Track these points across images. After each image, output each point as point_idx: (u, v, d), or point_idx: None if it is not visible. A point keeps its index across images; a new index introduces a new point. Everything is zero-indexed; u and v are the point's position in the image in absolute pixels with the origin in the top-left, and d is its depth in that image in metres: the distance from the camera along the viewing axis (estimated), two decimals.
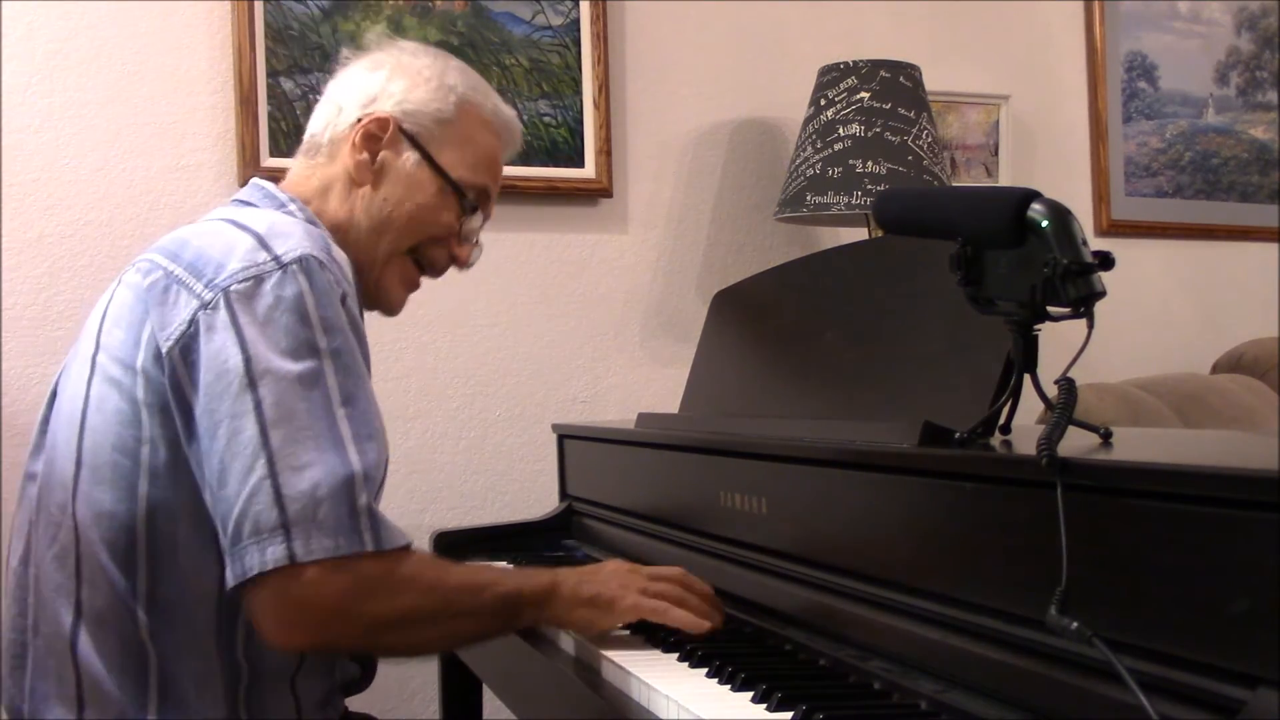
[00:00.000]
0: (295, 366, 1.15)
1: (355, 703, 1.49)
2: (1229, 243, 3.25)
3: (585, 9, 2.61)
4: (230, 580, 1.14)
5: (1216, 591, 0.79)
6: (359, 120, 1.41)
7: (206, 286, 1.19)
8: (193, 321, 1.18)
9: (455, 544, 2.03)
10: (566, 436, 2.14)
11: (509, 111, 1.53)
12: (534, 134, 2.58)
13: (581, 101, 2.61)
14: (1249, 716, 0.75)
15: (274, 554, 1.10)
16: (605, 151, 2.62)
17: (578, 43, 2.62)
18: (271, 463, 1.12)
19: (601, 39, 2.62)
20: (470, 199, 1.46)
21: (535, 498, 2.53)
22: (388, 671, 2.41)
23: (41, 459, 1.29)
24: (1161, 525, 0.84)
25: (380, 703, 2.35)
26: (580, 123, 2.61)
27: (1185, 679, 0.81)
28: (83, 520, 1.23)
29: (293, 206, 1.39)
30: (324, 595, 1.12)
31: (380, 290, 1.46)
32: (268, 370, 1.14)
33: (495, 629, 1.32)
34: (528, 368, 2.60)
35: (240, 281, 1.18)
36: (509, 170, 2.57)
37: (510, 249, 2.58)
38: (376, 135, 1.41)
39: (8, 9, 2.26)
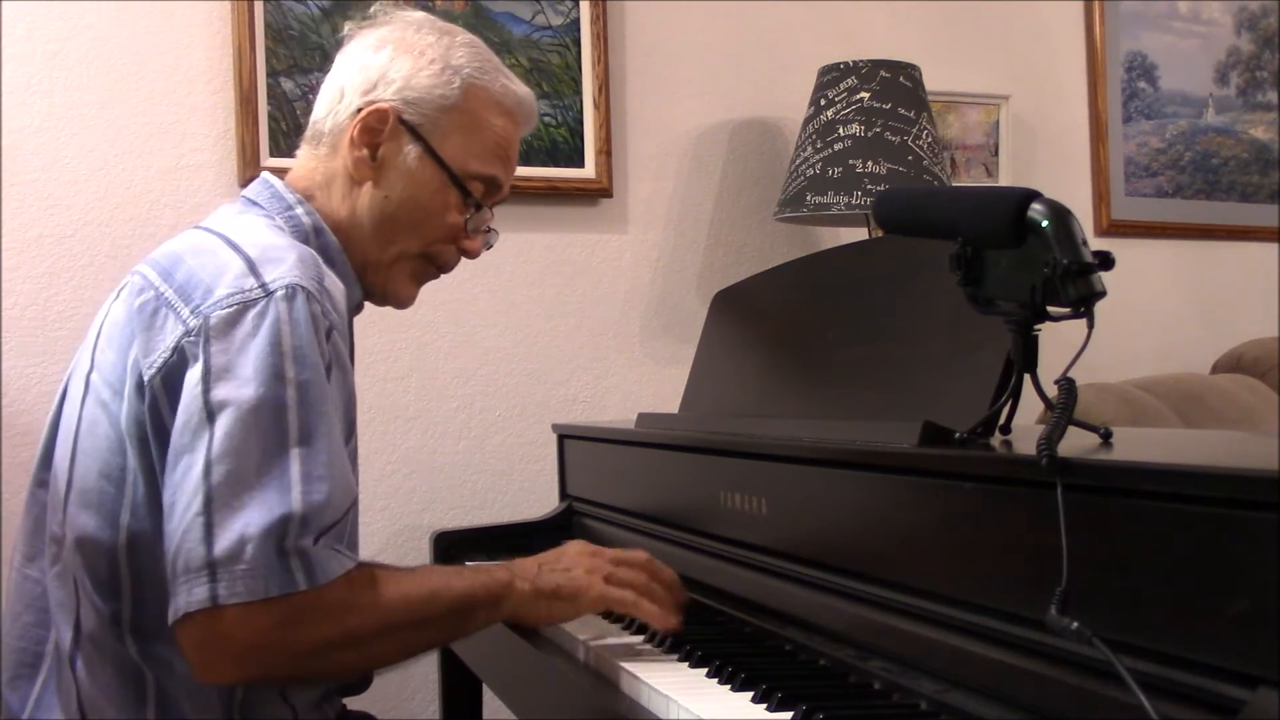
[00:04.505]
0: (255, 392, 1.12)
1: (355, 701, 1.49)
2: (1229, 243, 3.26)
3: (585, 9, 2.61)
4: (169, 616, 1.11)
5: (1216, 591, 0.79)
6: (359, 111, 1.36)
7: (192, 312, 1.17)
8: (177, 349, 1.16)
9: (455, 544, 2.03)
10: (566, 436, 2.14)
11: (521, 88, 1.45)
12: (534, 134, 2.57)
13: (581, 101, 2.61)
14: (1249, 716, 0.75)
15: (198, 595, 1.08)
16: (605, 151, 2.62)
17: (578, 43, 2.62)
18: (209, 499, 1.09)
19: (601, 39, 2.62)
20: (476, 195, 1.39)
21: (535, 498, 2.53)
22: (388, 672, 2.41)
23: (50, 470, 1.28)
24: (1161, 525, 0.84)
25: (380, 703, 2.35)
26: (580, 123, 2.61)
27: (1185, 679, 0.81)
28: (69, 544, 1.21)
29: (300, 210, 1.36)
30: (245, 633, 1.09)
31: (388, 289, 1.43)
32: (225, 402, 1.11)
33: (447, 635, 1.31)
34: (528, 368, 2.60)
35: (224, 308, 1.16)
36: None
37: (510, 249, 2.58)
38: (376, 129, 1.35)
39: (8, 9, 2.26)
